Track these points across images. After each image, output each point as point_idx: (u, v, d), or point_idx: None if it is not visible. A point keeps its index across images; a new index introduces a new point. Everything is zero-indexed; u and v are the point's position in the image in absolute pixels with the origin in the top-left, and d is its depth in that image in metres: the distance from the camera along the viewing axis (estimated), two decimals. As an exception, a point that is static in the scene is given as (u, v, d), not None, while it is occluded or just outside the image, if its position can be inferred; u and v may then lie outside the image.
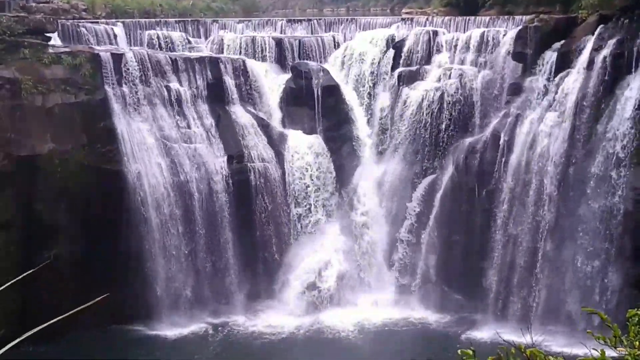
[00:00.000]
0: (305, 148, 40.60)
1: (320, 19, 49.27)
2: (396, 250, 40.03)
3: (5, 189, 33.53)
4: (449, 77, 39.82)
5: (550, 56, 37.30)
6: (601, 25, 35.66)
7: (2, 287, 6.11)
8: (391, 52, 42.34)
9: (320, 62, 43.15)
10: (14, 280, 6.62)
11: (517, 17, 41.42)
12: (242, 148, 39.19)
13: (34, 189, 34.25)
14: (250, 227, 39.17)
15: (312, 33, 46.30)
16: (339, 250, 39.96)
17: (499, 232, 37.13)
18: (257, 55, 42.80)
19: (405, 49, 41.85)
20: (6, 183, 33.49)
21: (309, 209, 40.27)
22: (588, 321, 30.70)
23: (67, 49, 37.07)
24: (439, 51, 41.41)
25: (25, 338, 5.99)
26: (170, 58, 39.29)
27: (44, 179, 34.33)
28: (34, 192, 34.27)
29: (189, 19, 49.84)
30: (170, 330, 36.41)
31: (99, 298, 7.83)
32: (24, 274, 6.89)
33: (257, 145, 39.58)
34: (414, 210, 39.75)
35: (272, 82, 42.02)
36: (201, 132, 38.71)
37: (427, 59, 41.44)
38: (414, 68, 41.36)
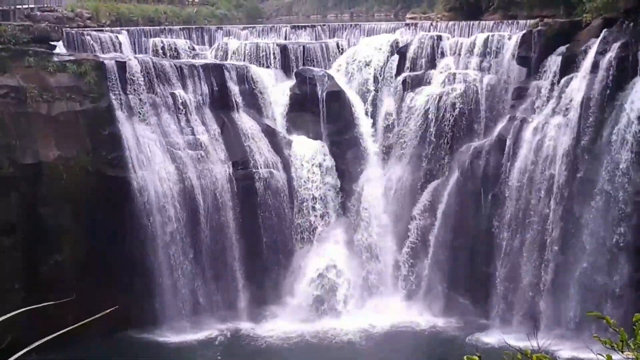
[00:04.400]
0: (310, 154, 40.62)
1: (324, 25, 49.27)
2: (402, 255, 39.97)
3: (10, 195, 33.66)
4: (454, 82, 39.82)
5: (554, 60, 37.29)
6: (605, 29, 35.62)
7: (9, 315, 6.11)
8: (395, 57, 42.35)
9: (325, 67, 43.16)
10: (27, 309, 6.66)
11: (521, 22, 41.40)
12: (247, 154, 39.23)
13: (38, 195, 34.36)
14: (256, 233, 39.18)
15: (316, 39, 46.29)
16: (344, 255, 39.93)
17: (505, 236, 37.06)
18: (261, 62, 42.82)
19: (409, 54, 41.86)
20: (11, 189, 33.63)
21: (314, 214, 40.26)
22: (594, 325, 30.61)
23: (71, 57, 37.17)
24: (443, 56, 41.41)
25: (31, 347, 5.99)
26: (175, 65, 39.36)
27: (49, 185, 34.45)
28: (39, 198, 34.39)
29: (193, 27, 49.93)
30: (175, 336, 36.40)
31: (107, 310, 7.83)
32: (36, 306, 6.88)
33: (262, 152, 39.61)
34: (420, 215, 39.71)
35: (276, 89, 42.03)
36: (206, 139, 38.76)
37: (432, 63, 41.42)
38: (418, 73, 41.37)
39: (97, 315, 6.92)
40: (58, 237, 34.74)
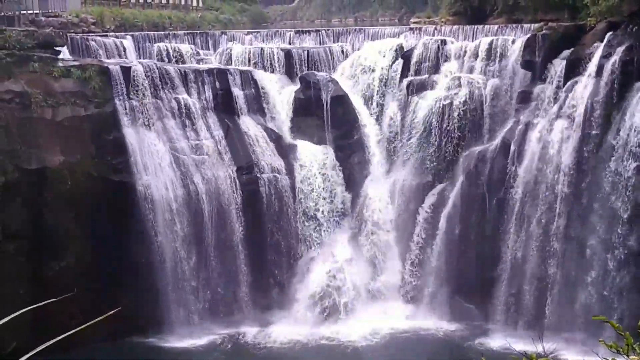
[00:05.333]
0: (314, 158, 40.62)
1: (328, 30, 49.33)
2: (407, 260, 39.95)
3: (15, 200, 33.68)
4: (458, 86, 39.81)
5: (559, 64, 37.27)
6: (610, 32, 35.61)
7: (9, 318, 6.11)
8: (400, 61, 42.36)
9: (329, 72, 43.19)
10: (28, 308, 6.65)
11: (526, 26, 41.39)
12: (251, 159, 39.24)
13: (43, 200, 34.38)
14: (261, 238, 39.17)
15: (320, 44, 46.34)
16: (349, 260, 39.88)
17: (510, 240, 37.02)
18: (265, 67, 42.86)
19: (413, 59, 41.85)
20: (16, 194, 33.64)
21: (319, 219, 40.24)
22: (600, 329, 30.53)
23: (76, 63, 37.23)
24: (447, 60, 41.40)
25: (35, 351, 5.99)
26: (179, 70, 39.43)
27: (53, 190, 34.47)
28: (43, 203, 34.40)
29: (198, 31, 50.01)
30: (180, 341, 36.38)
31: (112, 312, 7.82)
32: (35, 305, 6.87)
33: (266, 156, 39.62)
34: (425, 219, 39.68)
35: (281, 93, 42.08)
36: (210, 144, 38.79)
37: (436, 68, 41.41)
38: (422, 77, 41.35)
39: (101, 317, 6.91)
40: (63, 242, 34.76)
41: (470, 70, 40.47)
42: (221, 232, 38.33)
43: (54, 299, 7.46)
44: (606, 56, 34.85)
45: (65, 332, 6.43)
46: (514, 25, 42.59)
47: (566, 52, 37.30)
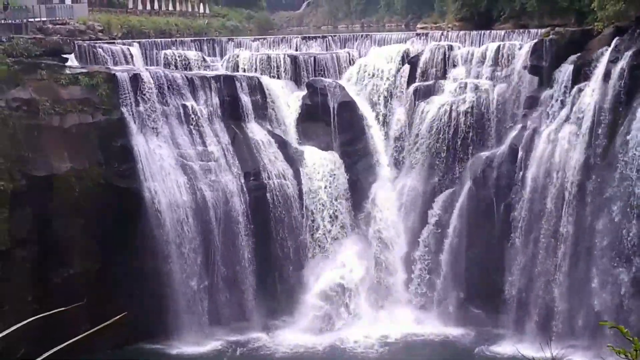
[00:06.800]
0: (321, 164, 40.60)
1: (335, 36, 49.36)
2: (415, 265, 39.87)
3: (22, 208, 33.74)
4: (465, 92, 39.77)
5: (566, 69, 37.21)
6: (617, 37, 35.57)
7: (22, 324, 6.12)
8: (406, 67, 42.35)
9: (336, 78, 43.19)
10: (33, 318, 6.65)
11: (533, 31, 41.36)
12: (258, 165, 39.26)
13: (50, 207, 34.44)
14: (268, 244, 39.16)
15: (327, 49, 46.35)
16: (357, 265, 39.84)
17: (518, 245, 36.93)
18: (272, 73, 42.91)
19: (420, 64, 41.85)
20: (23, 201, 33.71)
21: (326, 224, 40.20)
22: (608, 335, 30.43)
23: (84, 70, 37.35)
24: (454, 65, 41.40)
25: (42, 357, 5.99)
26: (186, 77, 39.48)
27: (61, 197, 34.52)
28: (51, 210, 34.46)
29: (205, 38, 50.08)
30: (187, 348, 36.38)
31: (117, 317, 7.82)
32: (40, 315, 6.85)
33: (273, 162, 39.63)
34: (432, 225, 39.62)
35: (287, 99, 42.10)
36: (218, 150, 38.81)
37: (443, 73, 41.42)
38: (429, 83, 41.34)
39: (108, 322, 6.90)
40: (70, 248, 34.82)
41: (477, 75, 40.45)
42: (228, 238, 38.31)
43: (63, 308, 7.46)
44: (613, 61, 34.79)
45: (73, 339, 6.43)
46: (520, 30, 42.59)
47: (573, 57, 37.24)
